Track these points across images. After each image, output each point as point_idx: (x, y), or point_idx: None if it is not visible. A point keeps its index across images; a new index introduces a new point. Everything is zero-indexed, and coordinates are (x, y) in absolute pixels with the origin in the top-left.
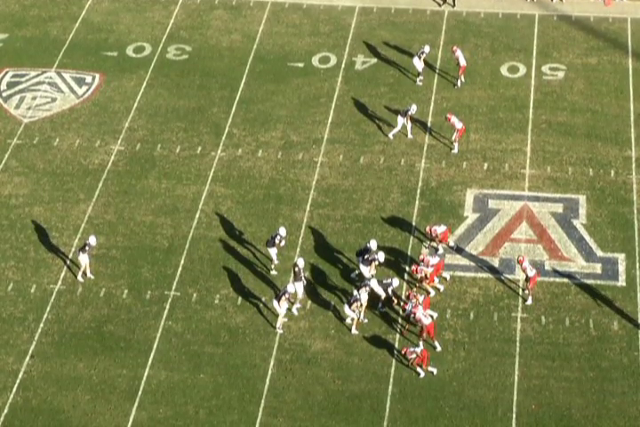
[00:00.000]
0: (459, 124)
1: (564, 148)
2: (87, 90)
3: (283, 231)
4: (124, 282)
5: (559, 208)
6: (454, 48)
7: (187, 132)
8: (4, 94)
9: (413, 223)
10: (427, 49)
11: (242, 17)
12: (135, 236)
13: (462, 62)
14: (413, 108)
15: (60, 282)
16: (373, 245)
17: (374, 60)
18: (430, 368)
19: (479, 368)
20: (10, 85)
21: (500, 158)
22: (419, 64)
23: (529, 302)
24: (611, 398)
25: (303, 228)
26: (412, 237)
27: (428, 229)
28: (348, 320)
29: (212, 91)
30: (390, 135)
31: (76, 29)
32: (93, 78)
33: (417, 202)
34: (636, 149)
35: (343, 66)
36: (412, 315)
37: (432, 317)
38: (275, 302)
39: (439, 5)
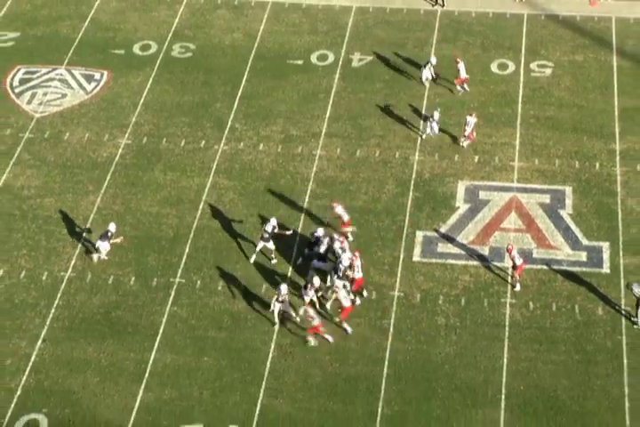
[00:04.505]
0: (471, 123)
1: (551, 141)
2: (96, 86)
3: (274, 221)
4: (132, 270)
5: (546, 199)
6: (458, 59)
7: (191, 126)
8: (17, 90)
9: (407, 213)
10: (433, 60)
11: (243, 16)
12: (142, 225)
13: (463, 75)
14: (436, 115)
15: (70, 270)
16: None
17: (370, 58)
18: (312, 340)
19: (470, 351)
20: (22, 82)
21: (491, 151)
22: (427, 73)
23: (517, 288)
24: (595, 379)
25: (302, 218)
26: (406, 227)
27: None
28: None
29: (215, 87)
30: (424, 135)
31: (85, 28)
32: (102, 75)
33: (411, 193)
34: (621, 142)
35: (340, 63)
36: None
37: (353, 302)
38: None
39: (432, 5)
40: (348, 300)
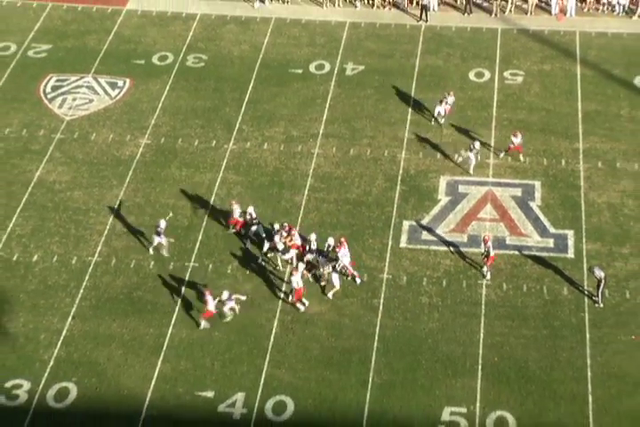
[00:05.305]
0: (517, 141)
1: (522, 141)
2: (119, 92)
3: (251, 209)
4: (151, 255)
5: (518, 192)
6: (451, 92)
7: (203, 128)
8: (49, 96)
9: (395, 205)
10: (450, 99)
11: (250, 30)
12: (160, 216)
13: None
14: (477, 144)
15: (96, 255)
16: (331, 241)
17: (362, 67)
18: (202, 324)
19: (450, 327)
20: (54, 88)
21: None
22: (440, 109)
23: (487, 277)
24: (561, 352)
25: (302, 209)
26: (393, 217)
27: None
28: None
29: (225, 93)
30: (459, 160)
31: (109, 41)
32: (124, 82)
33: (398, 187)
34: (584, 142)
35: (336, 72)
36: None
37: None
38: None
39: (417, 21)
40: (300, 282)
